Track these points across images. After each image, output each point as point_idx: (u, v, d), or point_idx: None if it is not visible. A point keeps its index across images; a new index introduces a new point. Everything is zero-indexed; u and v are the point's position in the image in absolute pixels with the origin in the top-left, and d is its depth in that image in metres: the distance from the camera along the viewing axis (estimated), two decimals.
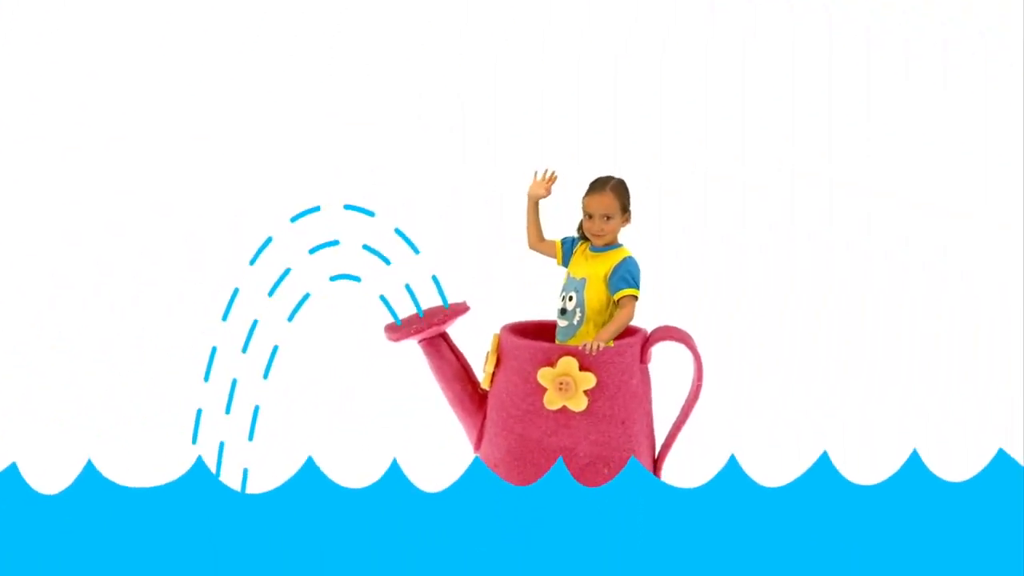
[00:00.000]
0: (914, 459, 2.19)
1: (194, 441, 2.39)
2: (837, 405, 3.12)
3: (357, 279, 2.46)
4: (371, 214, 2.46)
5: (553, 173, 2.54)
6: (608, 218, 2.47)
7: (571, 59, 3.67)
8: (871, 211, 3.55)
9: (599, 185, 2.49)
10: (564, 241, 2.56)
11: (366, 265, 2.45)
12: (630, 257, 2.48)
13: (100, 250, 3.55)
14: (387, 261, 2.46)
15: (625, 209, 2.49)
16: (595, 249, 2.51)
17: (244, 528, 2.11)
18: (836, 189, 3.53)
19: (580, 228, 2.54)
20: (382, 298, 2.47)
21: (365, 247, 2.45)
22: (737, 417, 2.90)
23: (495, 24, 3.70)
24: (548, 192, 2.54)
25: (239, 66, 3.73)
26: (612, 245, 2.50)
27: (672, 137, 3.53)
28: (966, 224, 3.55)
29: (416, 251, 2.46)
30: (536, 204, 2.55)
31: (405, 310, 2.51)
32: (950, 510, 2.14)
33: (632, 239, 2.51)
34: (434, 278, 2.49)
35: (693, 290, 3.17)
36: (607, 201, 2.47)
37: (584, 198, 2.50)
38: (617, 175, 2.51)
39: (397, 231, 2.46)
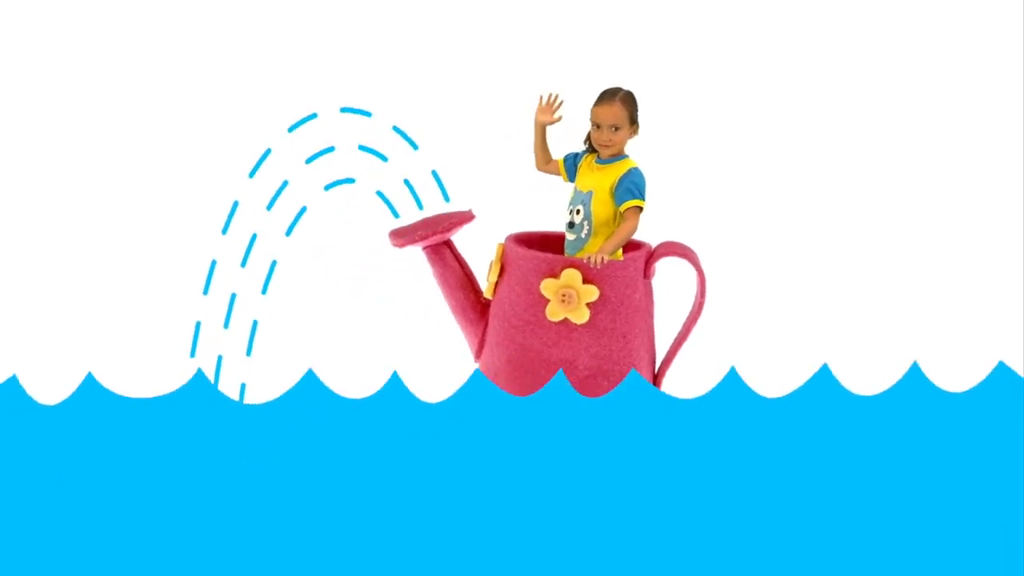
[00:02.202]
0: (915, 371, 2.18)
1: (192, 355, 2.38)
2: (839, 321, 3.12)
3: (351, 180, 2.44)
4: (367, 114, 2.42)
5: (558, 97, 2.51)
6: (616, 128, 2.44)
7: None
8: (872, 129, 3.52)
9: (608, 95, 2.46)
10: (566, 158, 2.54)
11: (365, 167, 2.42)
12: (636, 168, 2.45)
13: (99, 163, 3.51)
14: (384, 158, 2.43)
15: (633, 120, 2.46)
16: (601, 161, 2.48)
17: (244, 438, 2.11)
18: (844, 108, 3.50)
19: (588, 139, 2.51)
20: (379, 193, 2.45)
21: (361, 147, 2.42)
22: (739, 335, 2.89)
23: None
24: (554, 118, 2.51)
25: None
26: (618, 156, 2.47)
27: (684, 53, 3.48)
28: (970, 139, 3.52)
29: (415, 146, 2.43)
30: (543, 129, 2.53)
31: (405, 209, 2.49)
32: (949, 421, 2.13)
33: (640, 155, 2.49)
34: (434, 172, 2.46)
35: (697, 205, 3.14)
36: (616, 111, 2.44)
37: (593, 108, 2.46)
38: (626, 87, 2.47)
39: (395, 128, 2.43)
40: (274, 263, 2.42)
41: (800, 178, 3.43)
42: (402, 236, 2.50)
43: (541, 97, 2.52)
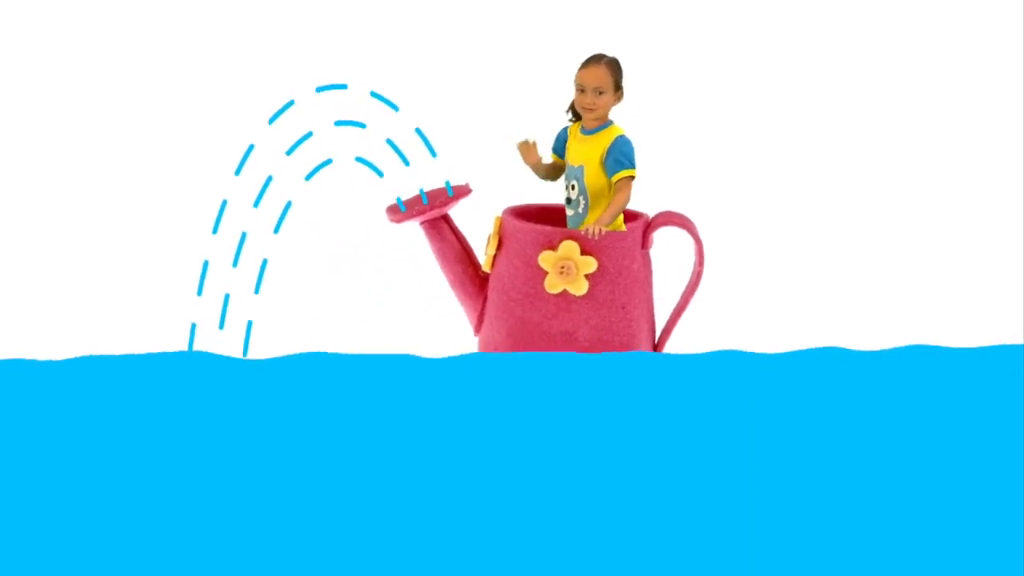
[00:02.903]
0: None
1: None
2: (838, 289, 3.10)
3: (328, 161, 2.41)
4: (343, 87, 2.39)
5: (534, 141, 2.49)
6: (600, 92, 2.41)
7: None
8: (873, 102, 3.46)
9: (594, 59, 2.43)
10: (555, 147, 2.51)
11: (344, 141, 2.40)
12: (622, 136, 2.43)
13: (92, 152, 3.52)
14: (362, 126, 2.39)
15: (618, 86, 2.43)
16: (586, 131, 2.46)
17: (243, 395, 2.09)
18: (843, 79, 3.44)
19: (571, 107, 2.47)
20: (359, 159, 2.42)
21: (337, 123, 2.39)
22: (738, 304, 2.87)
23: None
24: (540, 156, 2.49)
25: None
26: (603, 124, 2.44)
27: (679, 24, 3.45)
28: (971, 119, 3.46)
29: (395, 108, 2.40)
30: (536, 163, 2.50)
31: (390, 168, 2.46)
32: (954, 378, 2.09)
33: (635, 123, 2.46)
34: (417, 130, 2.42)
35: (695, 175, 3.11)
36: (600, 74, 2.41)
37: (578, 72, 2.44)
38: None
39: (372, 93, 2.39)
40: (265, 261, 2.41)
41: (799, 147, 3.43)
42: (399, 212, 2.49)
43: (519, 147, 2.49)
